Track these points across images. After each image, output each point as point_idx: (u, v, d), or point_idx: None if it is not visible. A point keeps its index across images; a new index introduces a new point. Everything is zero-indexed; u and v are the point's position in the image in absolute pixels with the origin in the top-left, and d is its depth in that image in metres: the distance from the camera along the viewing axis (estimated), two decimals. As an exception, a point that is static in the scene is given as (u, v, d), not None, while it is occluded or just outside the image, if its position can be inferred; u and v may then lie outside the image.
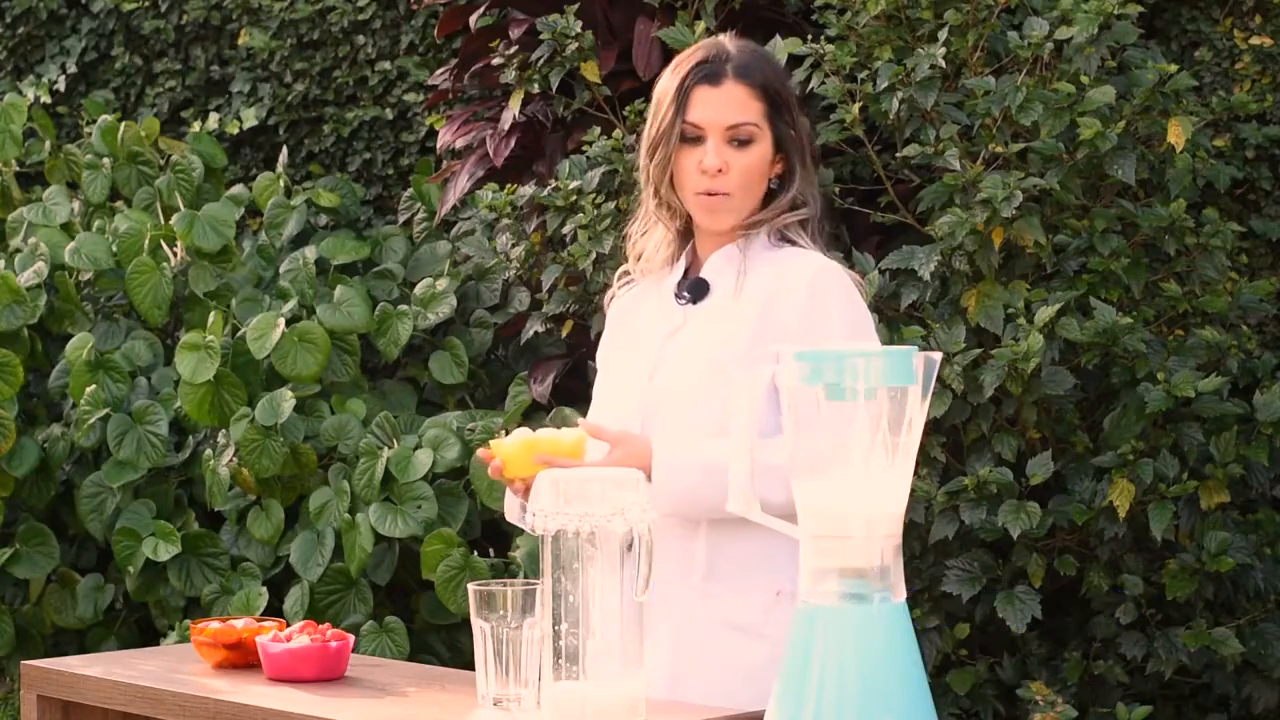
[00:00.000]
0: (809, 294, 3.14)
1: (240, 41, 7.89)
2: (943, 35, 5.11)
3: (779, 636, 2.94)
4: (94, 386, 6.37)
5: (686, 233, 3.29)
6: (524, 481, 3.09)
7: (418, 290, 6.36)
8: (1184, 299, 5.22)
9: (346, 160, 7.70)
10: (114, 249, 6.76)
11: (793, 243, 3.22)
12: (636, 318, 3.32)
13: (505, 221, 5.72)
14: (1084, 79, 5.05)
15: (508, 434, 3.20)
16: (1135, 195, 5.42)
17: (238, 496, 6.21)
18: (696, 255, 3.29)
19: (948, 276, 5.07)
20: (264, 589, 5.99)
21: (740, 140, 3.18)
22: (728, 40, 3.26)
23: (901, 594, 2.44)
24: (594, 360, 5.65)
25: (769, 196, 3.24)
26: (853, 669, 2.38)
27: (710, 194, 3.19)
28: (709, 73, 3.19)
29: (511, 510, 3.28)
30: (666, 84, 3.22)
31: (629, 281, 3.37)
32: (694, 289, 3.24)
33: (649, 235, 3.31)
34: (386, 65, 7.57)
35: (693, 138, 3.19)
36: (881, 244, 5.39)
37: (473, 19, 6.21)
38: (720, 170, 3.17)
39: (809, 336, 3.09)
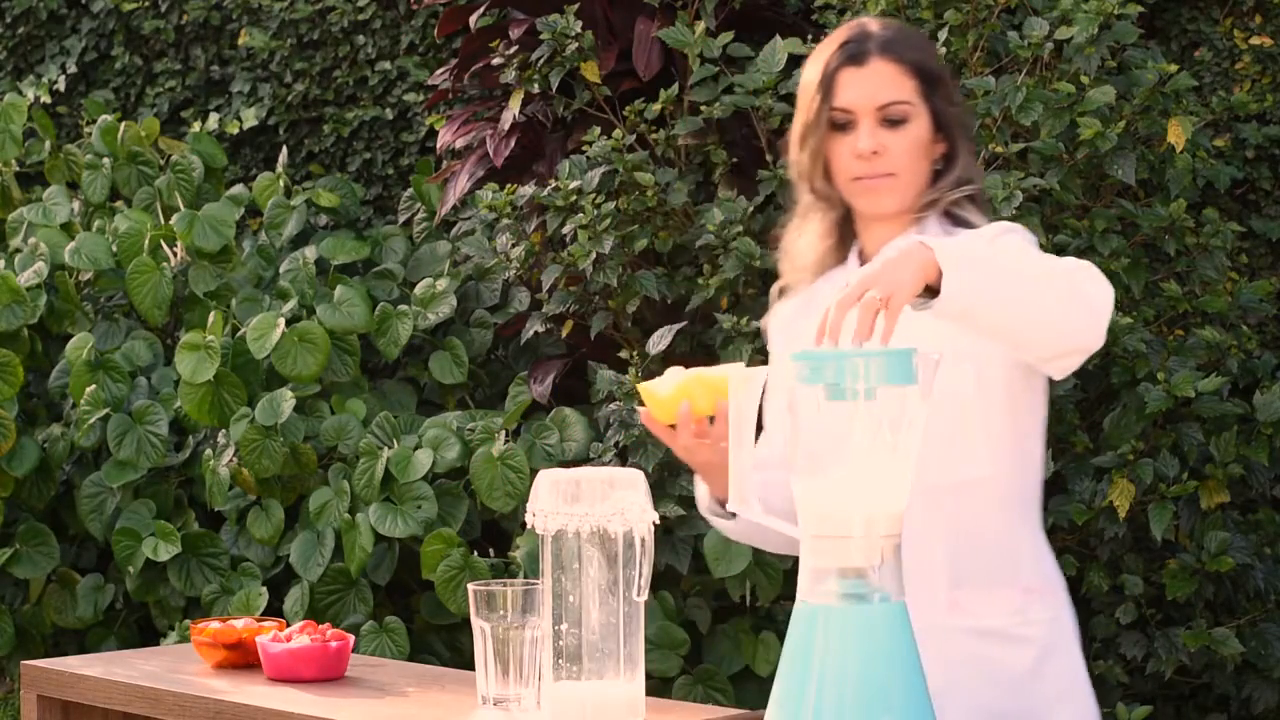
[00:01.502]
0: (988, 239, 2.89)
1: (240, 41, 7.88)
2: (943, 35, 5.11)
3: (1039, 637, 2.89)
4: (94, 386, 6.37)
5: (846, 226, 3.05)
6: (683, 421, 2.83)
7: (418, 290, 6.36)
8: (1184, 299, 5.22)
9: (346, 160, 7.69)
10: (114, 249, 6.76)
11: (967, 223, 2.98)
12: (806, 327, 2.97)
13: (505, 221, 5.72)
14: (1084, 79, 5.05)
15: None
16: (1135, 195, 5.42)
17: (238, 496, 6.21)
18: (864, 253, 3.03)
19: (948, 276, 5.07)
20: (264, 589, 5.99)
21: (893, 120, 2.94)
22: (871, 20, 3.03)
23: (902, 594, 2.44)
24: (594, 360, 5.68)
25: (934, 179, 2.99)
26: (853, 669, 2.38)
27: (868, 177, 2.94)
28: (853, 53, 2.95)
29: (701, 501, 3.04)
30: (810, 72, 2.99)
31: (789, 298, 3.10)
32: None
33: (803, 236, 3.07)
34: (386, 65, 7.57)
35: (843, 124, 2.95)
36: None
37: (473, 19, 6.21)
38: (875, 153, 2.93)
39: None
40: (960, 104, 3.01)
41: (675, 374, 2.81)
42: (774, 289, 3.13)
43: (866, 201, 2.97)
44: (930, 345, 2.75)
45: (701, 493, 3.04)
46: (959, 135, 2.98)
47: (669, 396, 2.81)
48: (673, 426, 2.84)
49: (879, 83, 2.94)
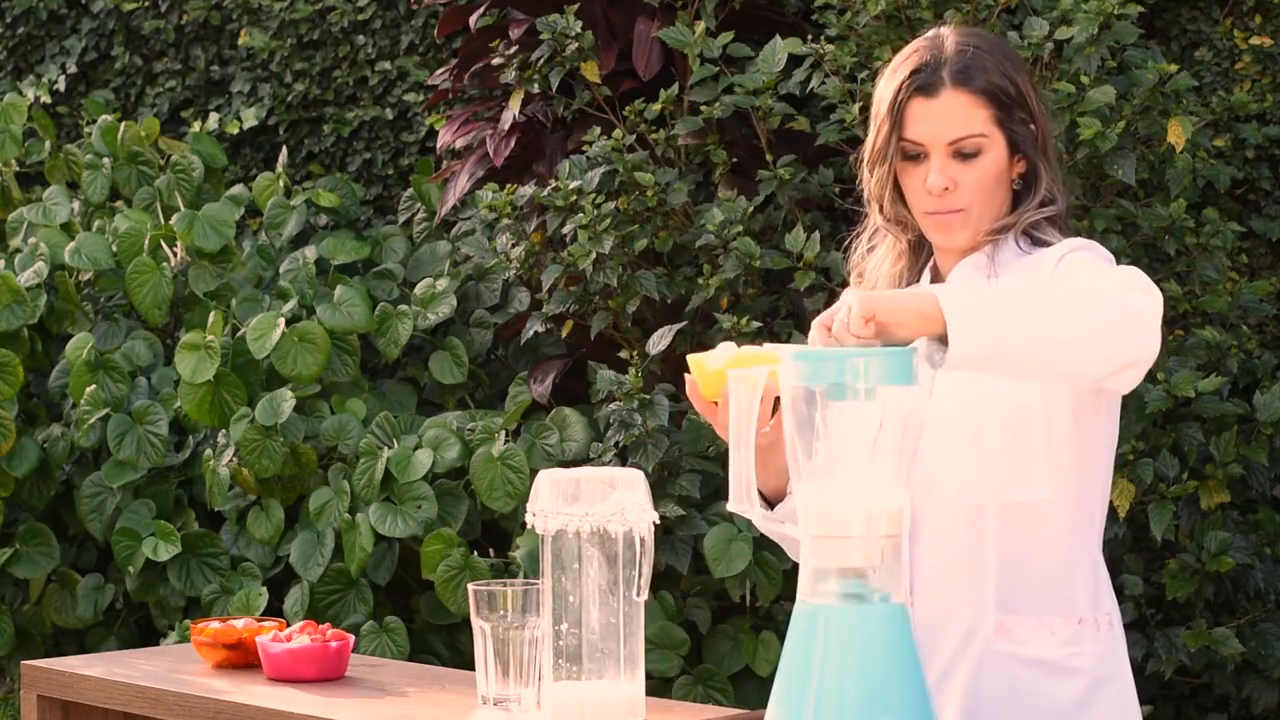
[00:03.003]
0: (1060, 266, 2.80)
1: (240, 41, 7.88)
2: (943, 35, 5.11)
3: (1089, 669, 2.80)
4: (94, 386, 6.37)
5: (920, 245, 2.95)
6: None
7: (418, 290, 6.36)
8: (1184, 299, 5.22)
9: (346, 160, 7.69)
10: (114, 249, 6.76)
11: (1045, 243, 2.87)
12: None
13: (505, 221, 5.72)
14: (1084, 79, 5.05)
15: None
16: (1135, 195, 5.42)
17: (238, 496, 6.21)
18: (938, 271, 2.93)
19: (948, 276, 5.07)
20: (264, 589, 5.99)
21: (965, 154, 2.83)
22: (948, 35, 2.89)
23: (902, 594, 2.44)
24: (594, 360, 5.68)
25: (1015, 199, 2.90)
26: (853, 669, 2.38)
27: (941, 213, 2.85)
28: (923, 83, 2.83)
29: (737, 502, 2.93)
30: (882, 92, 2.88)
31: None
32: None
33: (874, 250, 2.98)
34: (386, 65, 7.57)
35: (914, 155, 2.85)
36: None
37: (473, 19, 6.21)
38: (946, 189, 2.83)
39: (1067, 273, 2.76)
40: (1043, 113, 2.90)
41: (726, 349, 2.70)
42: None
43: (939, 236, 2.89)
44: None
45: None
46: (1038, 154, 2.88)
47: (716, 372, 2.67)
48: (715, 403, 2.71)
49: (950, 117, 2.83)
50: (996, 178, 2.85)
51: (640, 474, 2.83)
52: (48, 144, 7.48)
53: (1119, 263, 2.86)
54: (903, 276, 2.94)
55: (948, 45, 2.86)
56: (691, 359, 2.73)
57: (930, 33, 2.91)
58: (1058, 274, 2.78)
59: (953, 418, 2.78)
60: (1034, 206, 2.87)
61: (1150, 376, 5.01)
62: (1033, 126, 2.88)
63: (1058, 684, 2.79)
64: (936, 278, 2.92)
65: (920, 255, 2.96)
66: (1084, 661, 2.80)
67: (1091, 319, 2.60)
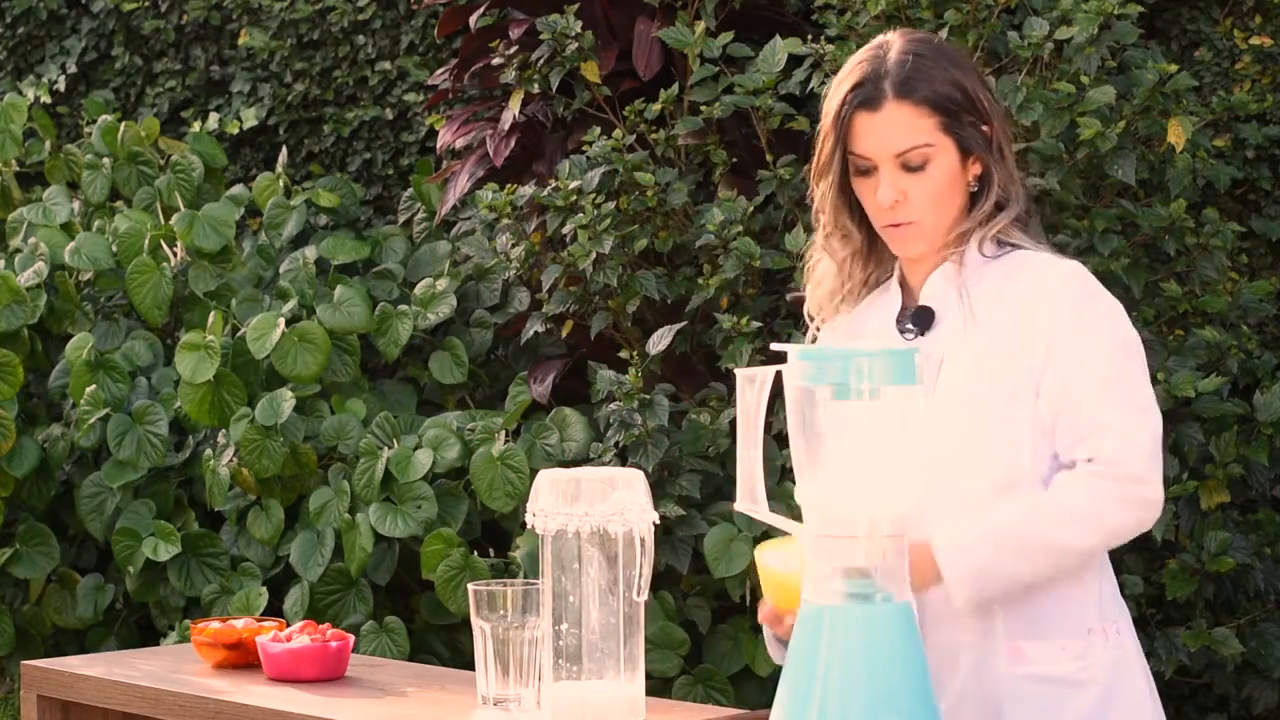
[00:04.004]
0: (1056, 303, 2.81)
1: (240, 41, 7.88)
2: (943, 35, 5.11)
3: (1103, 678, 2.82)
4: (94, 386, 6.37)
5: (870, 252, 2.95)
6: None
7: (418, 290, 6.36)
8: (1184, 299, 5.22)
9: (346, 160, 7.69)
10: (114, 249, 6.75)
11: (1011, 245, 2.89)
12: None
13: (505, 221, 5.72)
14: (1084, 79, 5.05)
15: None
16: (1135, 195, 5.42)
17: (238, 496, 6.21)
18: (906, 284, 2.94)
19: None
20: (264, 589, 5.99)
21: (912, 166, 2.83)
22: (892, 44, 2.88)
23: (906, 594, 2.44)
24: (594, 360, 5.68)
25: (973, 200, 2.90)
26: (857, 669, 2.38)
27: (896, 225, 2.86)
28: (866, 97, 2.83)
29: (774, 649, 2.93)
30: (827, 105, 2.88)
31: (814, 320, 3.03)
32: (918, 318, 2.89)
33: (820, 264, 3.00)
34: (386, 65, 7.57)
35: (864, 170, 2.85)
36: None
37: (473, 19, 6.21)
38: (898, 201, 2.83)
39: (1081, 353, 2.78)
40: (997, 117, 2.89)
41: (794, 548, 2.61)
42: (806, 315, 3.04)
43: (897, 248, 2.89)
44: (978, 392, 2.79)
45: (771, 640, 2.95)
46: (991, 155, 2.87)
47: (792, 581, 2.58)
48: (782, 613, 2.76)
49: (894, 129, 2.82)
50: (948, 185, 2.85)
51: (640, 474, 2.83)
52: (48, 144, 7.48)
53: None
54: (844, 288, 2.95)
55: (890, 56, 2.86)
56: (762, 563, 2.69)
57: (876, 41, 2.91)
58: (1080, 325, 2.79)
59: (942, 453, 2.79)
60: (987, 210, 2.87)
61: (1150, 377, 5.01)
62: (985, 128, 2.87)
63: (1072, 696, 2.81)
64: (905, 286, 2.93)
65: (872, 261, 2.96)
66: (1097, 672, 2.82)
67: (1100, 543, 2.77)
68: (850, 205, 2.91)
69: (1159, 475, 2.78)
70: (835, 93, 2.87)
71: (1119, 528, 2.77)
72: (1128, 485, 2.75)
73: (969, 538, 2.73)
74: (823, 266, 2.99)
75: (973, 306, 2.84)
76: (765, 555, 2.70)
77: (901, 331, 2.89)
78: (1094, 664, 2.82)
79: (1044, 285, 2.82)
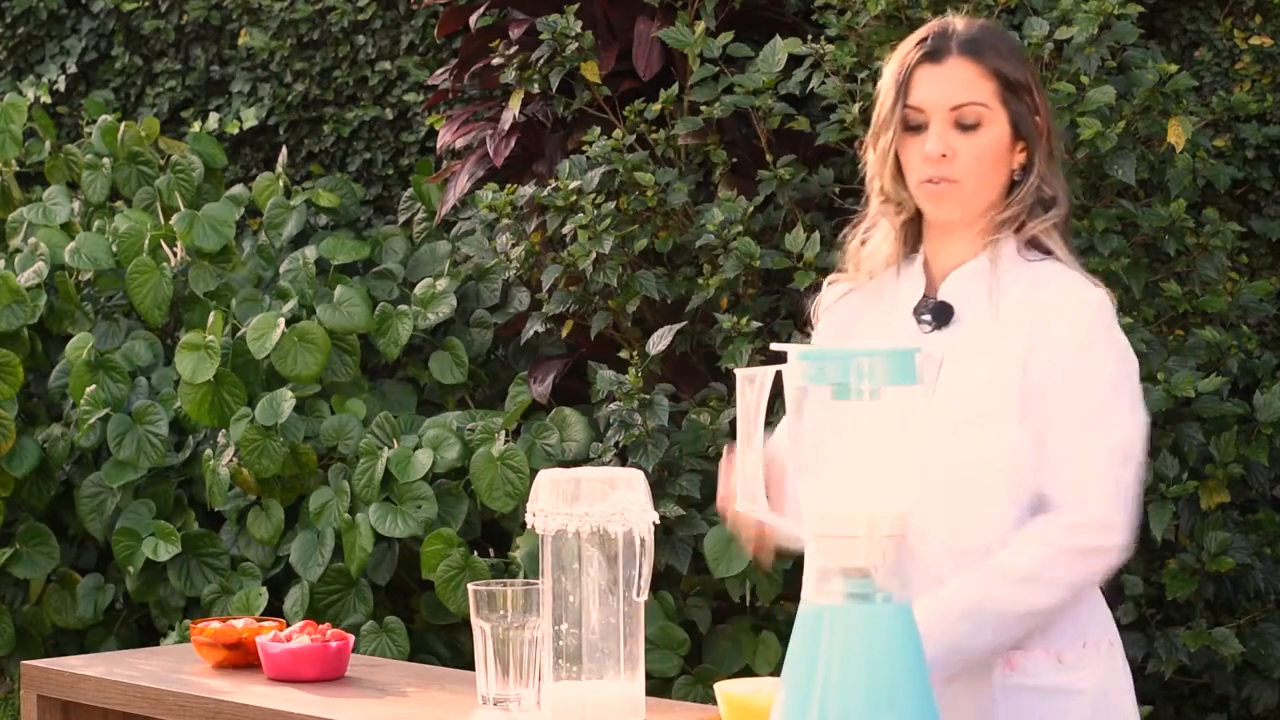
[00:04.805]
0: (1071, 329, 2.79)
1: (240, 41, 7.88)
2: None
3: (1093, 688, 2.84)
4: (94, 386, 6.37)
5: (914, 232, 2.91)
6: None
7: (418, 290, 6.36)
8: (1184, 299, 5.22)
9: (346, 160, 7.69)
10: (114, 249, 6.75)
11: (1047, 252, 2.85)
12: (868, 324, 2.91)
13: (505, 221, 5.72)
14: (1084, 79, 5.05)
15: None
16: (1135, 195, 5.42)
17: (238, 496, 6.21)
18: (930, 270, 2.90)
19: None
20: (264, 589, 5.99)
21: (966, 124, 2.80)
22: (958, 18, 2.89)
23: (906, 594, 2.44)
24: (594, 360, 5.68)
25: (1011, 188, 2.85)
26: (857, 669, 2.38)
27: (934, 181, 2.81)
28: (931, 49, 2.82)
29: None
30: (889, 68, 2.86)
31: (844, 291, 2.97)
32: (938, 313, 2.85)
33: (870, 239, 2.93)
34: (386, 65, 7.57)
35: (916, 125, 2.82)
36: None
37: (473, 19, 6.21)
38: (944, 156, 2.80)
39: (1075, 382, 2.76)
40: (1048, 113, 2.87)
41: (758, 684, 2.72)
42: (829, 278, 3.01)
43: (931, 207, 2.84)
44: (981, 394, 2.77)
45: None
46: (1039, 146, 2.84)
47: (756, 701, 2.66)
48: None
49: (955, 82, 2.81)
50: (995, 156, 2.82)
51: (640, 474, 2.83)
52: (48, 144, 7.48)
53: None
54: (896, 258, 2.90)
55: (959, 23, 2.86)
56: (721, 689, 2.73)
57: (940, 18, 2.91)
58: (1087, 350, 2.77)
59: (942, 453, 2.78)
60: (1027, 197, 2.83)
61: (1150, 377, 5.02)
62: (1037, 118, 2.84)
63: (1063, 705, 2.83)
64: (929, 276, 2.89)
65: (912, 241, 2.91)
66: (1088, 683, 2.84)
67: (1066, 596, 2.79)
68: (900, 173, 2.87)
69: (1125, 520, 2.78)
70: (897, 54, 2.87)
71: (1076, 580, 2.78)
72: (1083, 534, 2.76)
73: (934, 622, 2.68)
74: (871, 243, 2.93)
75: (999, 306, 2.81)
76: (726, 685, 2.73)
77: (919, 321, 2.86)
78: (1087, 676, 2.84)
79: (1064, 304, 2.79)
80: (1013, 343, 2.79)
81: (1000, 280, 2.82)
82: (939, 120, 2.81)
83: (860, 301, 2.94)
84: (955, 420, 2.78)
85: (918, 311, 2.86)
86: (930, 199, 2.83)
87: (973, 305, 2.83)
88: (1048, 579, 2.76)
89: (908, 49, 2.85)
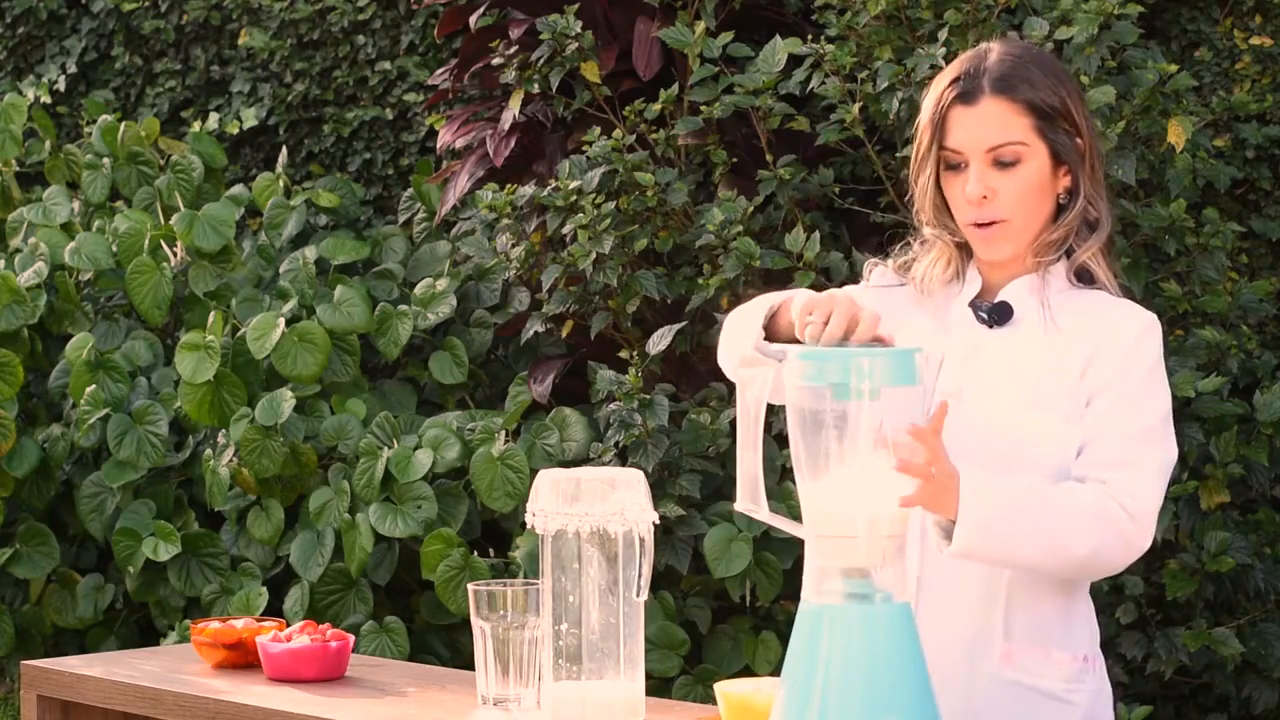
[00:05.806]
0: (1133, 350, 2.84)
1: (240, 41, 7.88)
2: (943, 35, 5.11)
3: (1083, 704, 2.86)
4: (94, 386, 6.37)
5: (967, 250, 2.94)
6: None
7: (418, 290, 6.36)
8: (1184, 299, 5.22)
9: (346, 160, 7.69)
10: (114, 249, 6.75)
11: (1093, 278, 2.91)
12: (909, 326, 2.89)
13: (505, 221, 5.72)
14: (1084, 79, 5.05)
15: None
16: (1135, 195, 5.42)
17: (238, 496, 6.21)
18: (985, 278, 2.93)
19: (948, 276, 5.07)
20: (264, 589, 5.99)
21: (1004, 162, 2.83)
22: (994, 47, 2.89)
23: (905, 594, 2.44)
24: (594, 360, 5.68)
25: (1059, 212, 2.89)
26: (857, 669, 2.39)
27: (981, 225, 2.85)
28: (963, 90, 2.84)
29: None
30: (926, 102, 2.90)
31: (892, 281, 2.99)
32: (996, 311, 2.88)
33: (922, 262, 2.96)
34: (386, 65, 7.57)
35: (956, 164, 2.85)
36: (881, 244, 5.39)
37: (473, 19, 6.21)
38: (985, 197, 2.83)
39: (1138, 399, 2.82)
40: (1088, 129, 2.88)
41: (758, 684, 2.73)
42: (869, 261, 3.04)
43: (983, 249, 2.88)
44: (1040, 385, 2.80)
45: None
46: (1082, 168, 2.86)
47: (755, 700, 2.67)
48: None
49: (989, 124, 2.83)
50: (1038, 189, 2.85)
51: (640, 474, 2.83)
52: (48, 144, 7.48)
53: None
54: (956, 276, 2.93)
55: (991, 57, 2.87)
56: (721, 688, 2.73)
57: (977, 48, 2.92)
58: (1130, 361, 2.82)
59: (985, 436, 2.80)
60: (1075, 221, 2.87)
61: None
62: (1078, 140, 2.86)
63: (1054, 712, 2.85)
64: (986, 286, 2.91)
65: (968, 255, 2.94)
66: (1080, 697, 2.86)
67: (1087, 558, 2.74)
68: (946, 205, 2.91)
69: (1152, 528, 2.80)
70: (934, 88, 2.89)
71: (1103, 548, 2.76)
72: (1133, 525, 2.76)
73: (995, 493, 2.68)
74: (923, 265, 2.96)
75: (1053, 319, 2.85)
76: (726, 685, 2.74)
77: (976, 315, 2.89)
78: (1081, 690, 2.86)
79: (1126, 331, 2.85)
80: (1075, 348, 2.84)
81: (1051, 298, 2.87)
82: (977, 162, 2.84)
83: (909, 294, 2.96)
84: (1008, 408, 2.81)
85: (977, 305, 2.89)
86: (981, 242, 2.87)
87: (1030, 311, 2.87)
88: (1093, 532, 2.74)
89: (943, 86, 2.87)
